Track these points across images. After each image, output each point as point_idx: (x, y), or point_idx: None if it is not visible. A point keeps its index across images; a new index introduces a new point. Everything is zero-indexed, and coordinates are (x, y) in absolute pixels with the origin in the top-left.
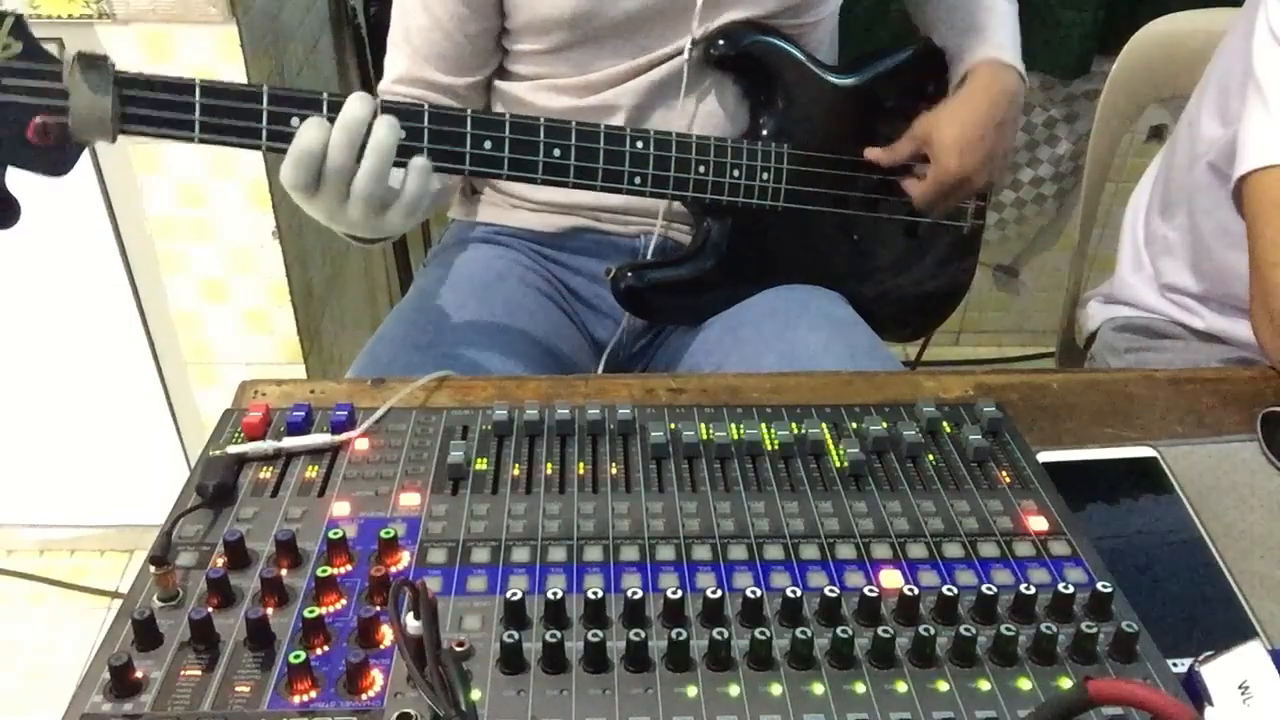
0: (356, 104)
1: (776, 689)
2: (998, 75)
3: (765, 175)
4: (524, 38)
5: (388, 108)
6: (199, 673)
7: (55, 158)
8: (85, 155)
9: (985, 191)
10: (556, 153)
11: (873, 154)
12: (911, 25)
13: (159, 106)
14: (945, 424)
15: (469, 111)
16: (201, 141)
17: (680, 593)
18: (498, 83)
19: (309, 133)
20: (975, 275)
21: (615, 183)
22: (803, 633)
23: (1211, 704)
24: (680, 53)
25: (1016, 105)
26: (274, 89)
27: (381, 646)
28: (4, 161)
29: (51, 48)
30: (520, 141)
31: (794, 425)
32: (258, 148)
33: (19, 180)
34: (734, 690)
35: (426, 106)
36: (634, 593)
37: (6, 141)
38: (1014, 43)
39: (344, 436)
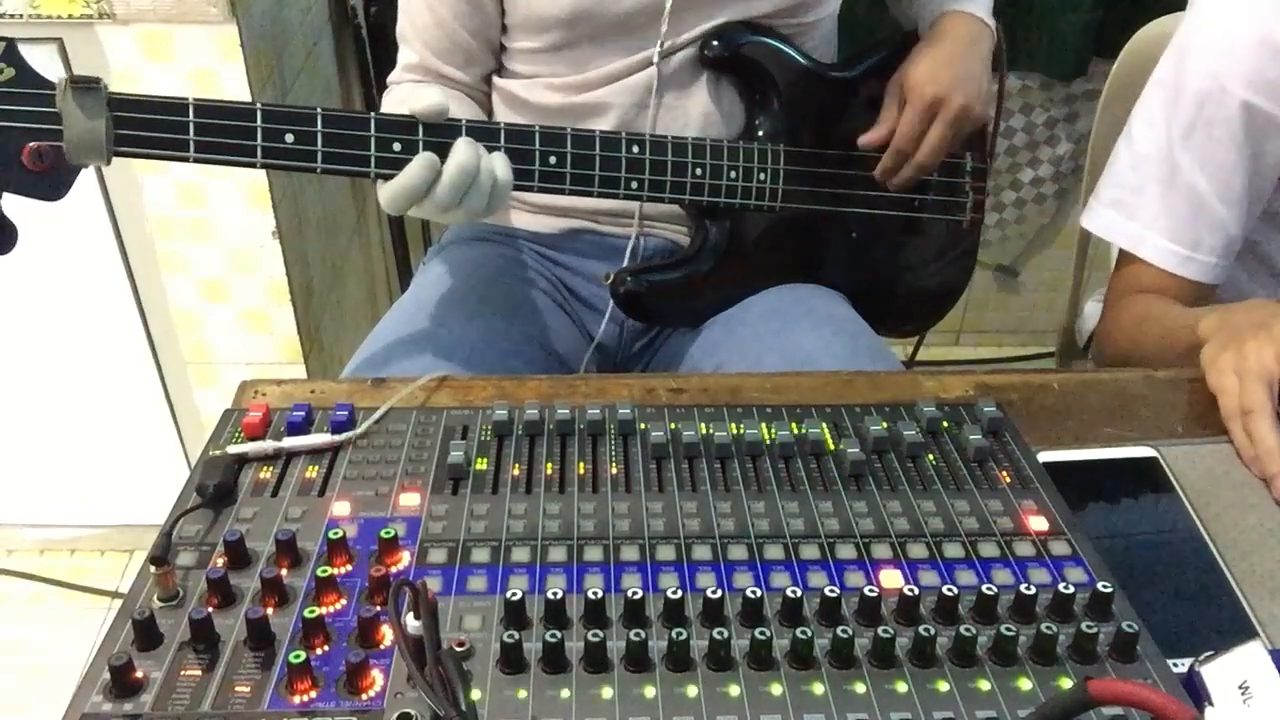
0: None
1: (776, 689)
2: (959, 19)
3: (762, 176)
4: (520, 35)
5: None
6: (199, 673)
7: (51, 182)
8: None
9: (982, 145)
10: (552, 160)
11: (865, 138)
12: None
13: (152, 128)
14: (945, 424)
15: (464, 122)
16: (197, 161)
17: (680, 593)
18: (494, 79)
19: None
20: (975, 274)
21: (612, 189)
22: (803, 633)
23: (1211, 704)
24: (675, 52)
25: (984, 41)
26: (267, 106)
27: (381, 646)
28: (0, 187)
29: (52, 47)
30: (515, 150)
31: (794, 425)
32: (253, 165)
33: (17, 200)
34: (734, 690)
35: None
36: (634, 593)
37: (1, 167)
38: (980, 4)
39: (344, 436)
